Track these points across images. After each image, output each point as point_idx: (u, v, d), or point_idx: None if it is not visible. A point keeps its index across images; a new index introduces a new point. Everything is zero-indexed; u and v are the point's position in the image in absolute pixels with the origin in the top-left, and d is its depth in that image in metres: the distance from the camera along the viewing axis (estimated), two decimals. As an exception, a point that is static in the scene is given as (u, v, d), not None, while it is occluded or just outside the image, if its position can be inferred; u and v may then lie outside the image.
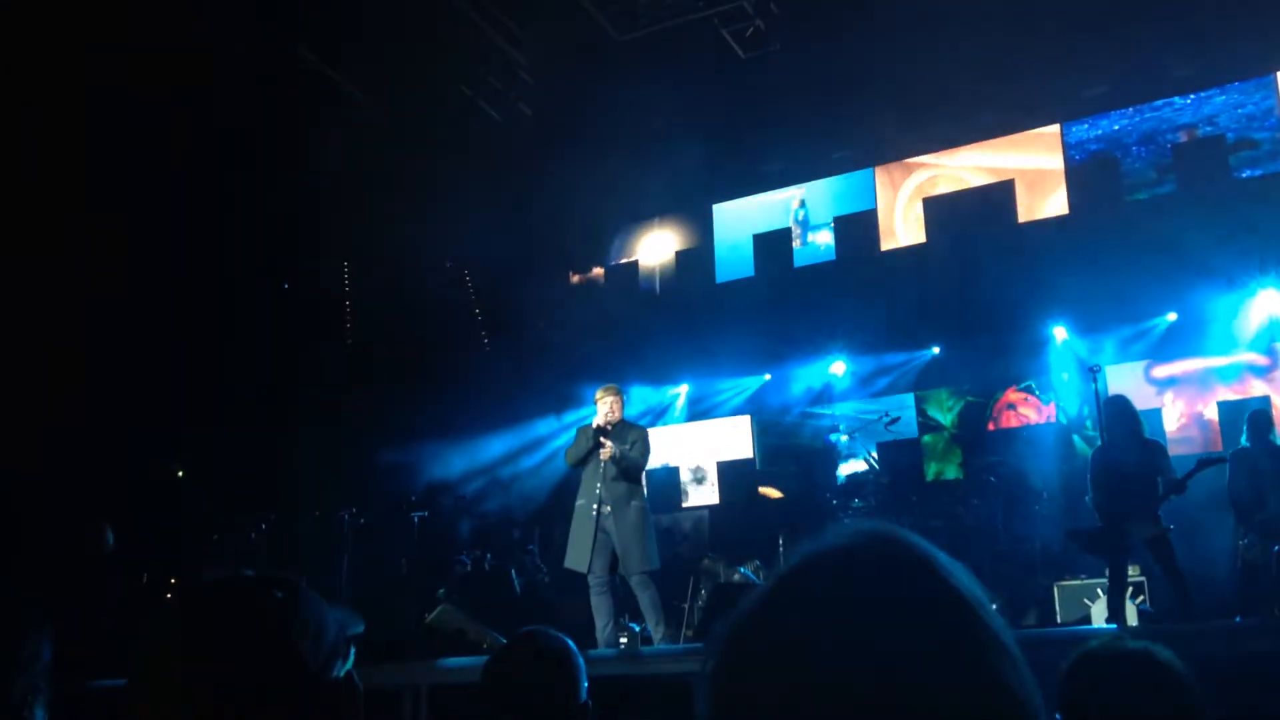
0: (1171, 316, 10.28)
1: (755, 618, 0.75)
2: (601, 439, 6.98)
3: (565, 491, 7.51)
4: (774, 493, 12.07)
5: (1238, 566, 7.24)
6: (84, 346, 10.02)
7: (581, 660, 2.42)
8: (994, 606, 0.75)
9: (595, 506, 6.91)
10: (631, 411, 11.79)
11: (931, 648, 0.69)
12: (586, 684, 2.40)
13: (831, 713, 0.67)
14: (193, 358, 10.97)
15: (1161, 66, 10.50)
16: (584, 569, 6.93)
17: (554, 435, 12.19)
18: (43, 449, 9.48)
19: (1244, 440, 7.42)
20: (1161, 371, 10.52)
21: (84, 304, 9.98)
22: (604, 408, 7.06)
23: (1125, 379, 10.29)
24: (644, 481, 7.45)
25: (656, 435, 12.36)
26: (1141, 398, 9.29)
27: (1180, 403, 10.44)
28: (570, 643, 2.45)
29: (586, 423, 7.27)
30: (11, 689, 1.55)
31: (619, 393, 7.20)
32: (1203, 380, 10.35)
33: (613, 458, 6.92)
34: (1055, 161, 11.26)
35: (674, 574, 9.22)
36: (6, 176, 8.87)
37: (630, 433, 7.12)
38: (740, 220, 12.96)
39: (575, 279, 13.75)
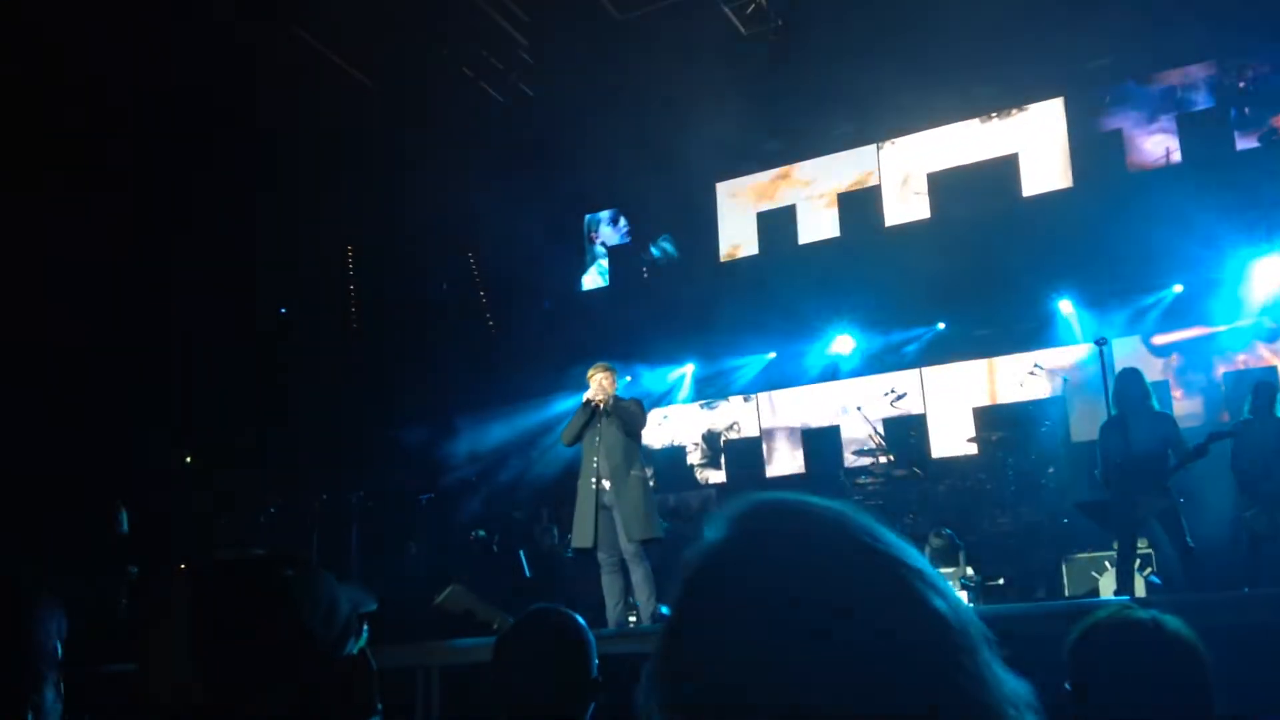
0: (1178, 288, 10.24)
1: (683, 620, 0.77)
2: (595, 397, 7.02)
3: (573, 471, 7.51)
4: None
5: (1242, 537, 7.23)
6: (89, 334, 10.03)
7: (592, 637, 2.43)
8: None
9: (594, 481, 6.93)
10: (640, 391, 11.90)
11: (847, 595, 0.71)
12: (597, 661, 2.41)
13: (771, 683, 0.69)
14: (199, 343, 10.98)
15: (1166, 35, 10.40)
16: (589, 545, 6.94)
17: (560, 415, 12.19)
18: (53, 437, 9.51)
19: (1246, 411, 7.42)
20: (1164, 340, 10.48)
21: (86, 289, 9.98)
22: (595, 384, 7.09)
23: (1128, 350, 10.24)
24: (646, 457, 7.46)
25: (659, 414, 12.57)
26: (1146, 369, 9.25)
27: (1185, 373, 10.40)
28: (580, 620, 2.45)
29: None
30: (22, 675, 1.56)
31: (610, 369, 7.22)
32: (1207, 349, 10.31)
33: (607, 408, 6.95)
34: (1059, 134, 11.20)
35: (681, 553, 9.21)
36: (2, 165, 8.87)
37: (624, 403, 7.16)
38: (743, 197, 12.90)
39: (577, 259, 13.72)
